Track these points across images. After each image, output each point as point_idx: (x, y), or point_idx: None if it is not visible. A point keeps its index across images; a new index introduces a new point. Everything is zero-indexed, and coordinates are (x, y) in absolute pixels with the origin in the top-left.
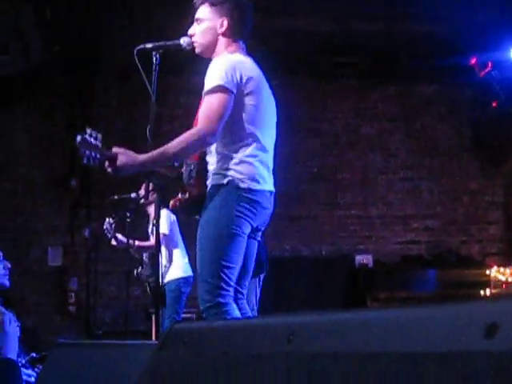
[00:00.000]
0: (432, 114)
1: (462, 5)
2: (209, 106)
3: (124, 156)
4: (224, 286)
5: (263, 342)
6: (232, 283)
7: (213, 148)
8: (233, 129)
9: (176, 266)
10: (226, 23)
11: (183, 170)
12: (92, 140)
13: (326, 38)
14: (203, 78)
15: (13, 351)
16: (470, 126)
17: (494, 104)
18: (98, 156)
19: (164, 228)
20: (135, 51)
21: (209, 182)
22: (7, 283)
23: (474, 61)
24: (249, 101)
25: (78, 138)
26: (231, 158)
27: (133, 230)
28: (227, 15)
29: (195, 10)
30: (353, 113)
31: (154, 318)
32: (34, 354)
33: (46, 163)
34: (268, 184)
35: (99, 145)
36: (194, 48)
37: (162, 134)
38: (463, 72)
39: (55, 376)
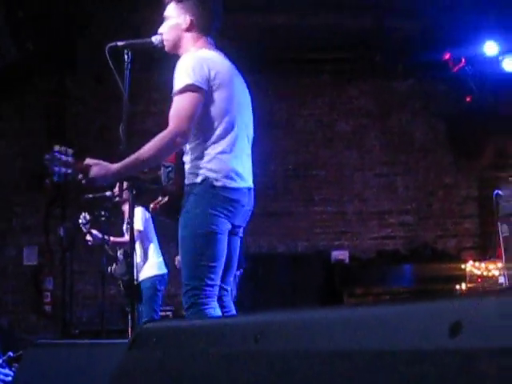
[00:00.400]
0: (407, 110)
1: (435, 1)
2: (179, 106)
3: (97, 167)
4: (203, 286)
5: (231, 342)
6: (213, 282)
7: (187, 147)
8: (204, 125)
9: (150, 264)
10: (188, 19)
11: (160, 172)
12: (62, 156)
13: (301, 34)
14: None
15: None
16: (445, 121)
17: (468, 99)
18: (69, 171)
19: (138, 224)
20: (107, 48)
21: (186, 181)
22: None
23: (447, 56)
24: (219, 95)
25: (46, 156)
26: (204, 156)
27: (108, 229)
28: (191, 11)
29: (164, 9)
30: (328, 109)
31: (130, 316)
32: (11, 354)
33: (21, 162)
34: (245, 180)
35: (70, 159)
36: (163, 46)
37: (136, 131)
38: (437, 67)
39: (31, 376)
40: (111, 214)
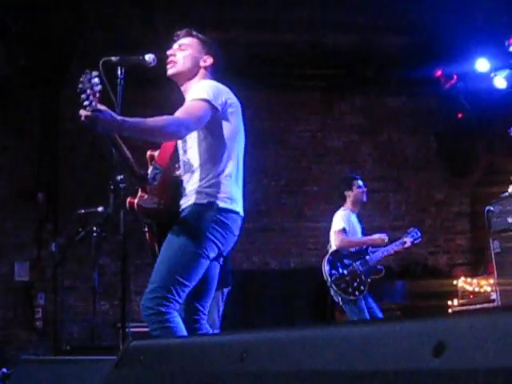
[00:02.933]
0: (398, 126)
1: (427, 18)
2: (190, 106)
3: (108, 112)
4: (171, 298)
5: (217, 361)
6: (180, 299)
7: (195, 166)
8: (217, 149)
9: None
10: (210, 60)
11: (149, 171)
12: (94, 86)
13: (293, 50)
14: (170, 93)
15: None
16: (436, 138)
17: (459, 115)
18: (93, 103)
19: None
20: (100, 63)
21: (186, 200)
22: None
23: (439, 73)
24: (229, 123)
25: (84, 77)
26: (212, 179)
27: (100, 245)
28: (212, 54)
29: (177, 39)
30: (320, 125)
31: (121, 332)
32: (4, 370)
33: (13, 177)
34: (239, 206)
35: (98, 88)
36: (160, 65)
37: (129, 148)
38: (429, 84)
39: None
40: (103, 229)
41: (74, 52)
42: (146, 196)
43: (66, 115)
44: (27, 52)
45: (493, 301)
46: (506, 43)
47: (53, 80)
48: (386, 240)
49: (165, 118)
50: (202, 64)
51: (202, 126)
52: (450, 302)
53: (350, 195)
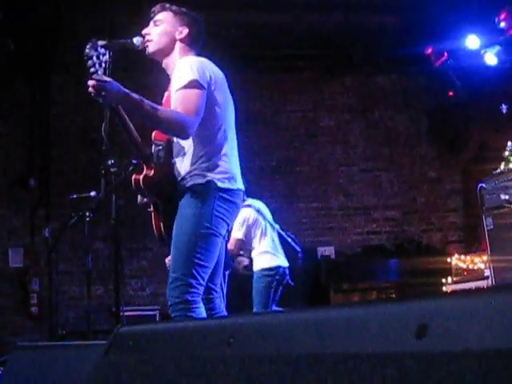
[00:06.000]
0: (389, 105)
1: None
2: (186, 100)
3: (114, 82)
4: (194, 283)
5: (205, 345)
6: (203, 282)
7: (187, 148)
8: (207, 127)
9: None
10: (185, 31)
11: (152, 148)
12: (101, 56)
13: (282, 31)
14: (157, 77)
15: None
16: (427, 116)
17: (450, 93)
18: (99, 72)
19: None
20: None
21: (184, 183)
22: None
23: (429, 50)
24: (217, 99)
25: (90, 45)
26: (209, 158)
27: (93, 229)
28: (187, 25)
29: (153, 16)
30: (311, 105)
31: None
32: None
33: (4, 163)
34: (240, 183)
35: (106, 58)
36: (145, 48)
37: (119, 131)
38: (419, 62)
39: (15, 379)
40: (96, 214)
41: (63, 37)
42: (152, 172)
43: (56, 100)
44: (16, 38)
45: (486, 277)
46: (496, 20)
47: (42, 65)
48: None
49: (176, 112)
50: (177, 37)
51: (202, 114)
52: (443, 280)
53: None
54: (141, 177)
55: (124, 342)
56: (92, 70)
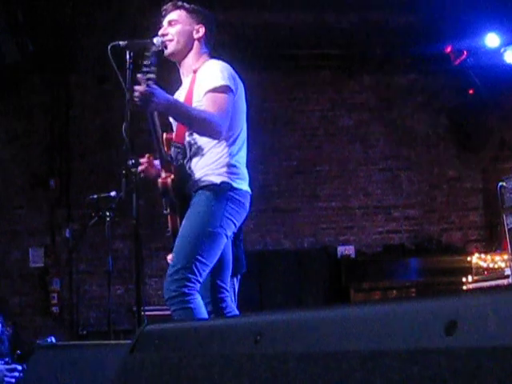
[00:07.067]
0: (409, 104)
1: None
2: (218, 102)
3: (162, 91)
4: (193, 279)
5: (231, 343)
6: (201, 279)
7: (206, 149)
8: (227, 130)
9: None
10: (202, 30)
11: (171, 152)
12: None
13: (301, 31)
14: (175, 76)
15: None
16: (447, 114)
17: (470, 91)
18: (152, 77)
19: None
20: (109, 48)
21: (199, 183)
22: None
23: (449, 49)
24: (240, 105)
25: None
26: (225, 159)
27: (113, 229)
28: (203, 23)
29: (165, 14)
30: (330, 105)
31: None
32: (19, 352)
33: (25, 163)
34: (248, 186)
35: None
36: (164, 48)
37: (140, 131)
38: (439, 60)
39: (37, 379)
40: (116, 213)
41: (83, 38)
42: (174, 174)
43: (75, 100)
44: (36, 39)
45: (507, 276)
46: None
47: (62, 66)
48: None
49: (210, 113)
50: (195, 36)
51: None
52: (464, 279)
53: None
54: (168, 180)
55: (150, 340)
56: (149, 76)
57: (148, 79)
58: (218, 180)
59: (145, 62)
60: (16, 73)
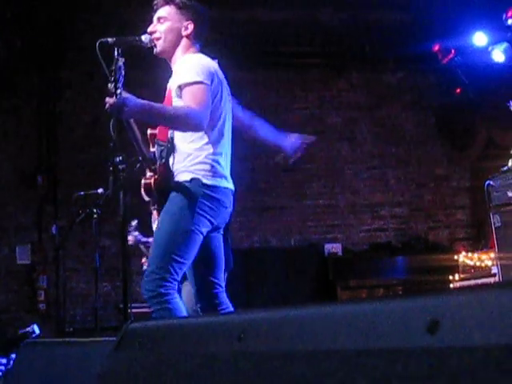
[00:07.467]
0: (397, 102)
1: None
2: (194, 96)
3: (133, 98)
4: (169, 278)
5: (215, 341)
6: (178, 278)
7: (177, 146)
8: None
9: None
10: (191, 27)
11: (154, 149)
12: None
13: (289, 28)
14: (165, 73)
15: None
16: (435, 113)
17: (457, 90)
18: (119, 85)
19: None
20: (97, 44)
21: (174, 179)
22: None
23: (436, 48)
24: (217, 100)
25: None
26: (198, 156)
27: (101, 226)
28: (192, 19)
29: (156, 9)
30: (318, 102)
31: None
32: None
33: (12, 160)
34: (229, 182)
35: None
36: (153, 46)
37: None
38: (426, 59)
39: (24, 375)
40: (103, 211)
41: (71, 35)
42: (158, 174)
43: (64, 97)
44: (24, 36)
45: (494, 275)
46: (504, 16)
47: (50, 63)
48: None
49: (186, 108)
50: (183, 33)
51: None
52: (451, 277)
53: None
54: (151, 182)
55: (134, 337)
56: (110, 86)
57: (116, 88)
58: (188, 177)
59: (112, 68)
60: (3, 70)
